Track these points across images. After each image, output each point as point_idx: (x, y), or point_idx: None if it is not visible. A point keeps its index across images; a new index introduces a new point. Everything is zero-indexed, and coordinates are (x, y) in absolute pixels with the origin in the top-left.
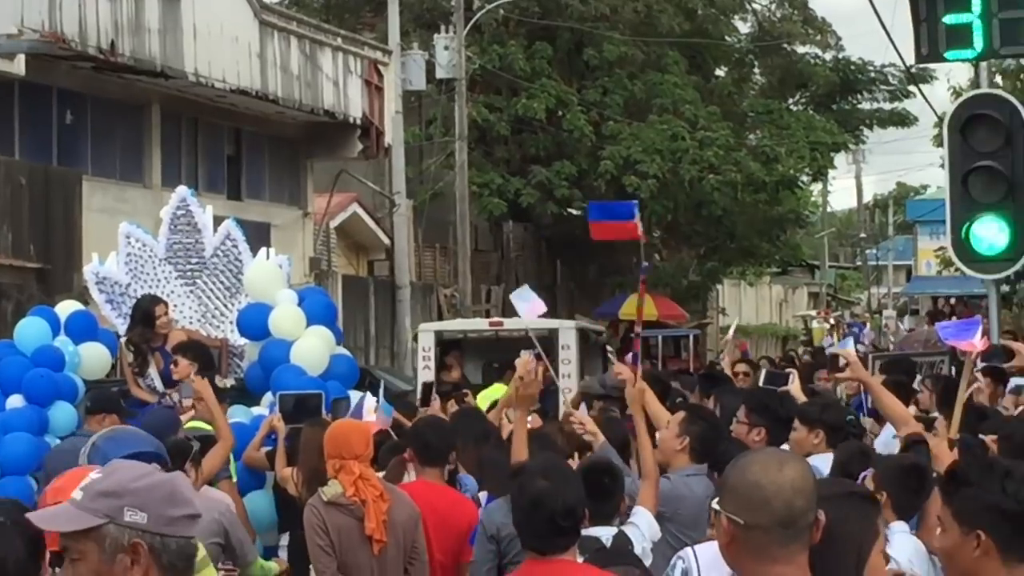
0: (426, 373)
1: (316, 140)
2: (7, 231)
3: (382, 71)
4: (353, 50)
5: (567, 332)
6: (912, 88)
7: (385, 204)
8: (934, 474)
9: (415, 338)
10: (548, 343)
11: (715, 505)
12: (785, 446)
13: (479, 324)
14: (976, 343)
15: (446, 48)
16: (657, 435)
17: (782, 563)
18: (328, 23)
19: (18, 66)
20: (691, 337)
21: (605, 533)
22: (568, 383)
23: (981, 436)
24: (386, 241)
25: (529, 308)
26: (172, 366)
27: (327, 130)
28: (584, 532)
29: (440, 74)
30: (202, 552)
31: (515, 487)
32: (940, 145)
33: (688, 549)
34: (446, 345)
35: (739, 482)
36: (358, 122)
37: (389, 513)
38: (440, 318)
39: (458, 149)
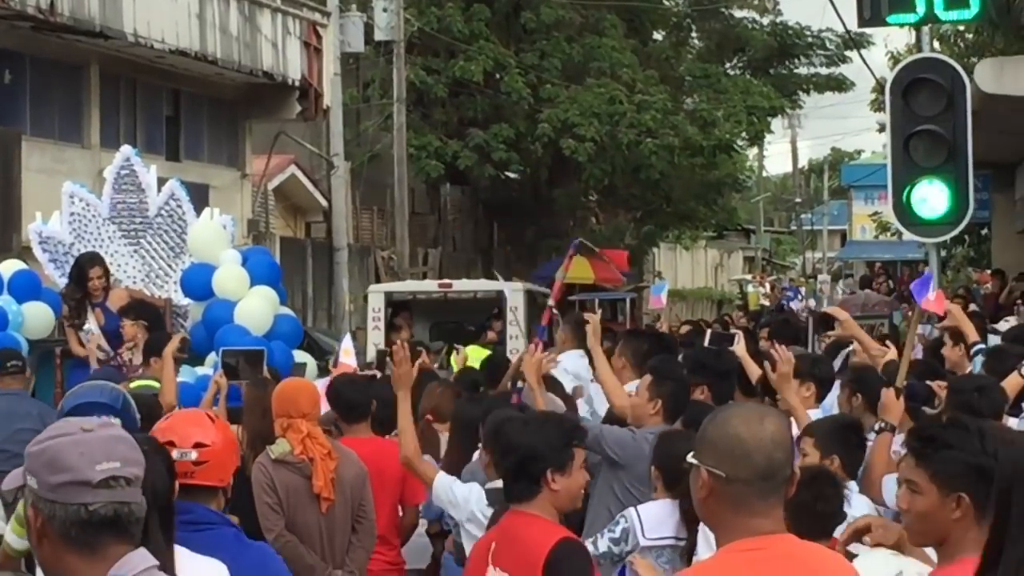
0: (376, 334)
1: (255, 101)
2: None
3: (321, 33)
4: (292, 11)
5: (515, 295)
6: (849, 53)
7: (323, 166)
8: (881, 424)
9: (365, 298)
10: (496, 305)
11: (691, 459)
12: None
13: (429, 286)
14: (931, 299)
15: (384, 10)
16: (626, 401)
17: (760, 516)
18: None
19: None
20: (627, 300)
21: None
22: (516, 344)
23: (928, 383)
24: (324, 203)
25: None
26: (121, 329)
27: (266, 91)
28: (492, 485)
29: (379, 36)
30: None
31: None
32: (878, 110)
33: (631, 510)
34: (396, 306)
35: (719, 436)
36: (297, 84)
37: (337, 471)
38: (378, 280)
39: (396, 111)
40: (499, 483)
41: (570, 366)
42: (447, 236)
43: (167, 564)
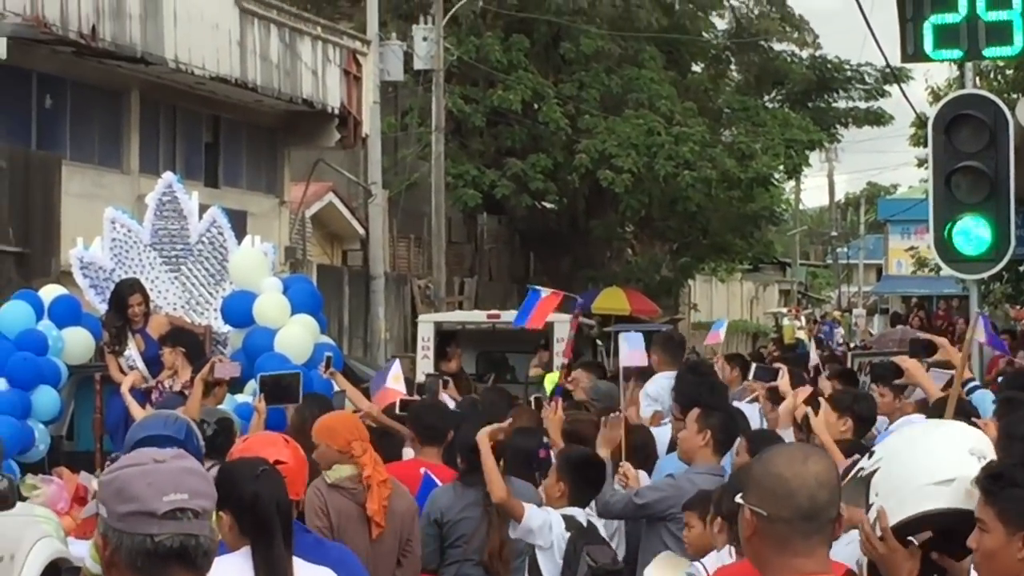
0: (425, 362)
1: (294, 129)
2: None
3: (360, 61)
4: (332, 39)
5: (562, 326)
6: (888, 87)
7: (360, 194)
8: None
9: (413, 325)
10: (543, 336)
11: (738, 499)
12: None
13: (477, 316)
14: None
15: (424, 39)
16: (679, 435)
17: (803, 555)
18: (307, 12)
19: None
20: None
21: (581, 514)
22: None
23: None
24: (361, 231)
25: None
26: (160, 356)
27: (305, 119)
28: (563, 511)
29: (418, 65)
30: None
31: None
32: (917, 145)
33: (699, 564)
34: (445, 336)
35: (763, 475)
36: (336, 111)
37: (389, 500)
38: (413, 309)
39: (434, 140)
40: (570, 510)
41: (651, 389)
42: (483, 265)
43: (287, 571)
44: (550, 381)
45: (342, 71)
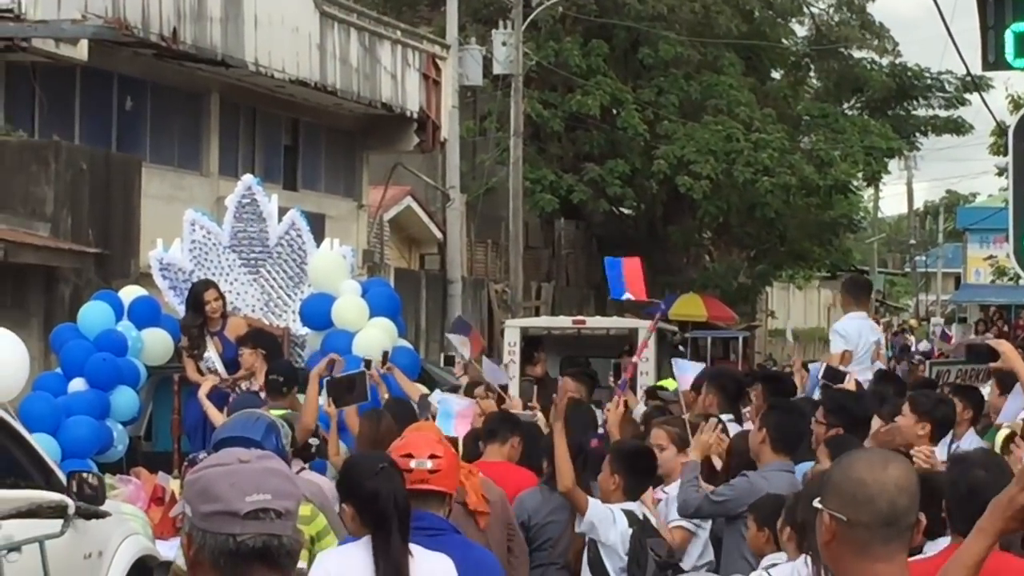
0: (511, 367)
1: (372, 132)
2: (67, 215)
3: (440, 65)
4: (412, 43)
5: (645, 332)
6: (968, 96)
7: (438, 198)
8: None
9: (501, 333)
10: (628, 342)
11: (817, 504)
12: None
13: (563, 322)
14: None
15: (503, 44)
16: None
17: (883, 561)
18: (387, 16)
19: (81, 52)
20: (740, 339)
21: (637, 508)
22: (645, 380)
23: None
24: (439, 235)
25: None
26: (239, 357)
27: (384, 123)
28: (621, 506)
29: (497, 69)
30: (322, 523)
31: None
32: (997, 153)
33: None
34: (530, 341)
35: (843, 479)
36: (415, 115)
37: (485, 487)
38: (491, 314)
39: (512, 145)
40: (628, 505)
41: (842, 327)
42: (560, 270)
43: (403, 559)
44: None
45: (421, 75)
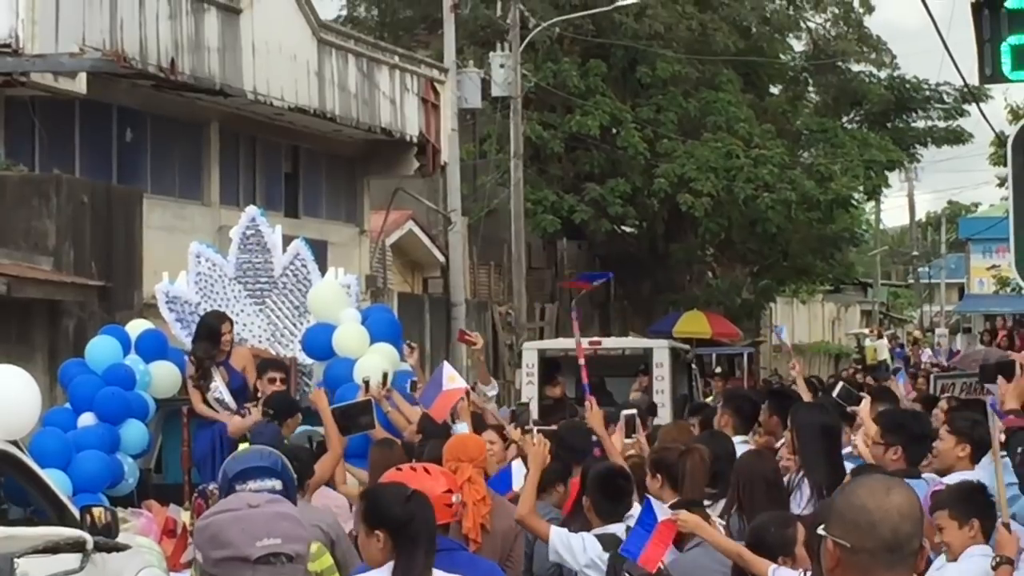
0: (529, 388)
1: (373, 158)
2: (69, 248)
3: (438, 89)
4: (410, 68)
5: (660, 351)
6: (967, 106)
7: (440, 222)
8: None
9: (519, 355)
10: (643, 361)
11: (820, 531)
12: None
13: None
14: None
15: (501, 66)
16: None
17: None
18: (384, 41)
19: (79, 84)
20: (744, 355)
21: (619, 529)
22: (661, 398)
23: None
24: (441, 259)
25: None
26: (257, 383)
27: (384, 148)
28: (601, 530)
29: (495, 92)
30: (328, 560)
31: None
32: (997, 164)
33: None
34: (548, 362)
35: (846, 506)
36: (414, 140)
37: (489, 519)
38: (495, 336)
39: (513, 167)
40: (607, 528)
41: None
42: (564, 291)
43: None
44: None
45: (420, 99)
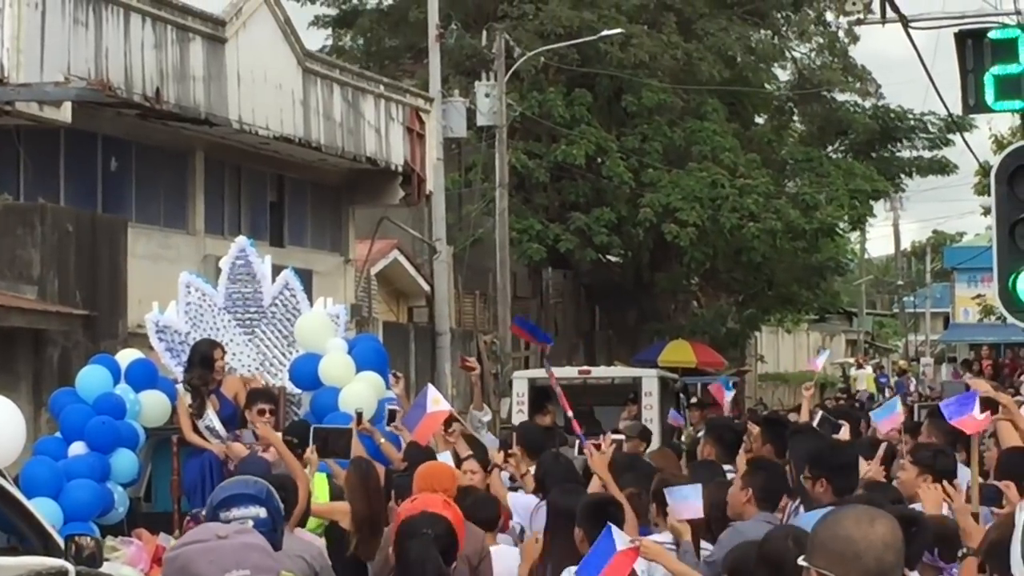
0: (519, 417)
1: (358, 187)
2: (54, 278)
3: (423, 118)
4: (395, 97)
5: (650, 380)
6: (952, 136)
7: (425, 251)
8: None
9: (512, 384)
10: (632, 390)
11: (802, 562)
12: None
13: (569, 372)
14: (978, 417)
15: (487, 95)
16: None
17: None
18: (369, 70)
19: (64, 114)
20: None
21: None
22: (650, 427)
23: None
24: (426, 288)
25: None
26: (246, 413)
27: (369, 177)
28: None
29: (481, 121)
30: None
31: None
32: (982, 193)
33: None
34: (538, 392)
35: (830, 537)
36: (400, 169)
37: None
38: (480, 365)
39: (498, 196)
40: None
41: None
42: (549, 320)
43: None
44: None
45: (405, 129)
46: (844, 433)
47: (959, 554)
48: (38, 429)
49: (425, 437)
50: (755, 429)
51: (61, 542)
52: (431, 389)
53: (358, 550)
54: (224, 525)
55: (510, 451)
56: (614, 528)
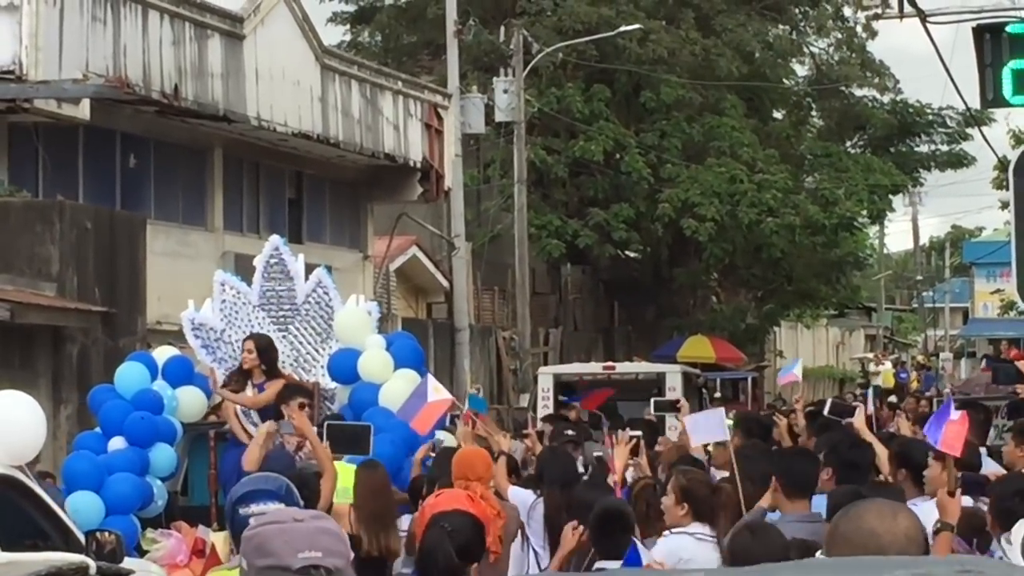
0: (544, 412)
1: (376, 183)
2: (72, 275)
3: (442, 114)
4: (413, 94)
5: (673, 376)
6: (970, 131)
7: (444, 247)
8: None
9: (533, 378)
10: (656, 385)
11: (821, 555)
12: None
13: (594, 367)
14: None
15: (505, 91)
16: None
17: None
18: (387, 67)
19: (83, 111)
20: (749, 380)
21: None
22: (673, 421)
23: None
24: (445, 284)
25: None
26: (284, 408)
27: (387, 173)
28: (600, 565)
29: (499, 117)
30: None
31: None
32: (1000, 187)
33: None
34: (563, 386)
35: (853, 530)
36: (418, 165)
37: (504, 529)
38: (499, 361)
39: (517, 192)
40: (604, 564)
41: None
42: (568, 316)
43: None
44: None
45: (424, 125)
46: (859, 416)
47: (932, 528)
48: (57, 425)
49: (426, 427)
50: (782, 422)
51: (82, 538)
52: (431, 379)
53: (371, 547)
54: (301, 510)
55: (525, 432)
56: (639, 543)
